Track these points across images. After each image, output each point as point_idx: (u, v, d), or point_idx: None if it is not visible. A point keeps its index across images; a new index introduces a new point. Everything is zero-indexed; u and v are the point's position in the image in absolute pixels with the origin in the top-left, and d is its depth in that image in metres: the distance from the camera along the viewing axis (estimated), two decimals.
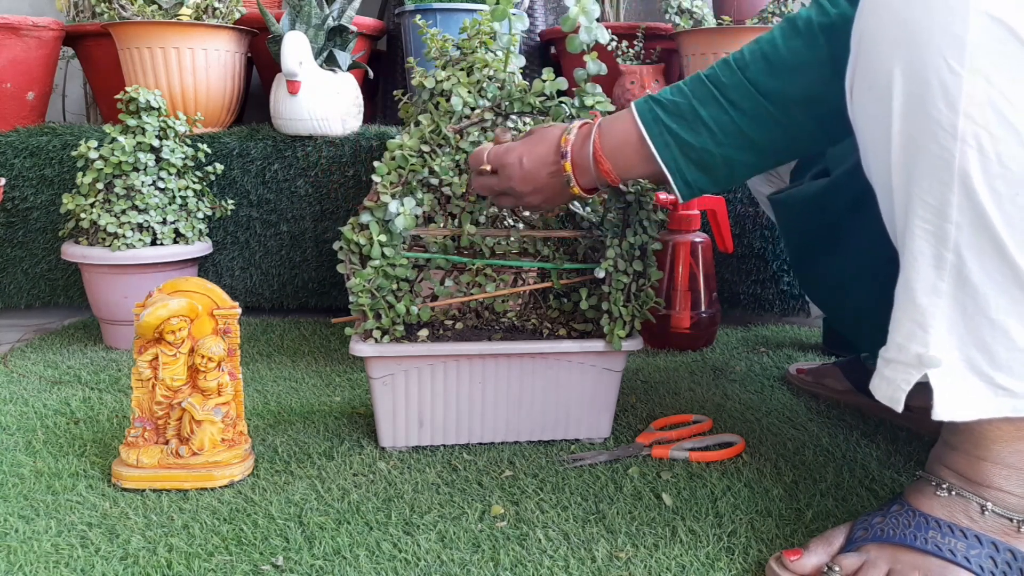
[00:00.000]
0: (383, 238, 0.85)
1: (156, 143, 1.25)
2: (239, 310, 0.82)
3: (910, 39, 0.53)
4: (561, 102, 0.85)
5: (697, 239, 1.27)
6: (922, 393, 0.58)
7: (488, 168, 0.81)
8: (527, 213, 0.92)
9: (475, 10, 1.51)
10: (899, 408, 0.59)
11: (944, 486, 0.63)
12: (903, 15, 0.54)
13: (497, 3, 0.83)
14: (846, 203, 0.76)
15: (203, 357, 0.79)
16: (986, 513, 0.60)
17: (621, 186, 0.86)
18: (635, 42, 1.56)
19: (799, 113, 0.67)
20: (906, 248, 0.57)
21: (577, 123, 0.77)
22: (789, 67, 0.66)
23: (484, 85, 1.02)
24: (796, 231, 0.87)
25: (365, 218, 0.85)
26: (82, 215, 1.24)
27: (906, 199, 0.56)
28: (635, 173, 0.74)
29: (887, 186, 0.58)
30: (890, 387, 0.59)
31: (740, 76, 0.68)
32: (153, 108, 1.26)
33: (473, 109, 0.98)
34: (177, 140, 1.29)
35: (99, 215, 1.22)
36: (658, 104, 0.71)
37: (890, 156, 0.56)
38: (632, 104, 0.73)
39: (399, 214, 0.83)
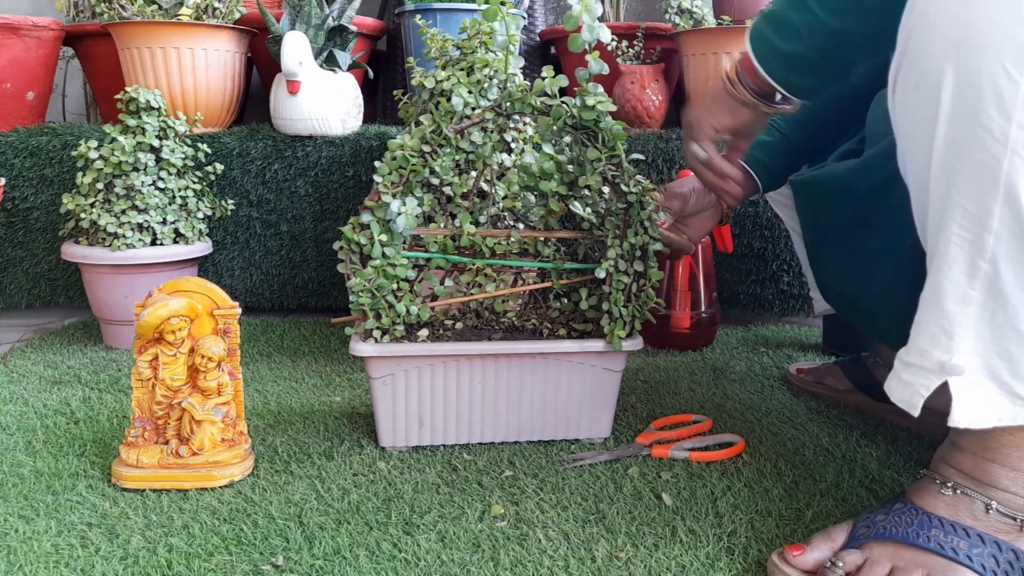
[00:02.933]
0: (384, 238, 0.85)
1: (156, 143, 1.25)
2: (239, 310, 0.82)
3: (966, 40, 0.51)
4: (563, 102, 0.85)
5: None
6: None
7: (696, 148, 0.86)
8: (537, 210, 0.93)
9: (475, 10, 1.51)
10: (916, 413, 0.58)
11: (949, 485, 0.63)
12: (961, 15, 0.52)
13: (487, 3, 0.83)
14: (875, 186, 0.75)
15: (203, 357, 0.79)
16: (990, 512, 0.60)
17: (622, 187, 0.86)
18: (635, 42, 1.56)
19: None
20: (938, 253, 0.56)
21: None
22: None
23: (484, 85, 1.02)
24: (818, 215, 0.86)
25: (366, 218, 0.85)
26: (82, 215, 1.23)
27: (943, 203, 0.55)
28: (761, 79, 0.77)
29: (923, 187, 0.57)
30: (907, 391, 0.59)
31: None
32: (153, 108, 1.26)
33: (474, 109, 0.98)
34: (177, 140, 1.29)
35: (99, 215, 1.22)
36: (767, 15, 0.75)
37: (931, 158, 0.55)
38: (755, 17, 0.78)
39: (400, 214, 0.83)
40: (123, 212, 1.22)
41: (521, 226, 0.99)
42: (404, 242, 0.88)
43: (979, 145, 0.52)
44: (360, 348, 0.84)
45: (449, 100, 1.03)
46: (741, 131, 0.84)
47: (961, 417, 0.56)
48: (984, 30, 0.51)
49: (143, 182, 1.23)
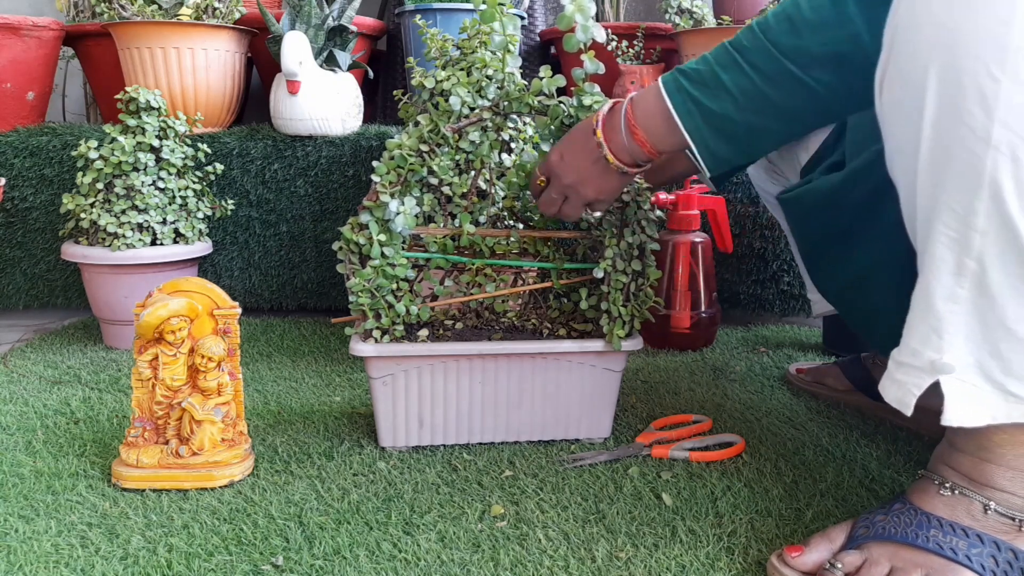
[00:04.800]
0: (383, 238, 0.85)
1: (156, 143, 1.25)
2: (239, 310, 0.82)
3: (949, 41, 0.52)
4: (560, 101, 0.85)
5: (697, 239, 1.27)
6: (924, 394, 0.58)
7: (542, 181, 0.82)
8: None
9: (475, 10, 1.51)
10: (909, 412, 0.59)
11: (947, 485, 0.63)
12: (943, 17, 0.52)
13: (484, 4, 0.83)
14: (862, 198, 0.75)
15: (203, 357, 0.79)
16: (989, 512, 0.60)
17: None
18: (635, 42, 1.56)
19: (821, 72, 0.65)
20: (927, 253, 0.56)
21: (610, 102, 0.77)
22: (812, 25, 0.64)
23: (483, 85, 1.02)
24: (809, 229, 0.86)
25: (365, 218, 0.85)
26: (82, 215, 1.23)
27: (931, 203, 0.55)
28: (666, 144, 0.73)
29: (911, 188, 0.58)
30: (900, 390, 0.59)
31: (762, 39, 0.66)
32: (153, 108, 1.26)
33: (472, 109, 0.98)
34: (177, 140, 1.29)
35: (99, 215, 1.22)
36: (683, 74, 0.71)
37: (917, 158, 0.55)
38: (660, 78, 0.73)
39: (399, 214, 0.83)
40: (123, 212, 1.22)
41: (521, 226, 0.99)
42: (403, 242, 0.88)
43: (963, 144, 0.52)
44: (360, 348, 0.84)
45: (448, 100, 1.03)
46: (605, 202, 0.82)
47: (954, 415, 0.56)
48: (966, 31, 0.51)
49: (143, 182, 1.23)
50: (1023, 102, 0.49)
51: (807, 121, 0.70)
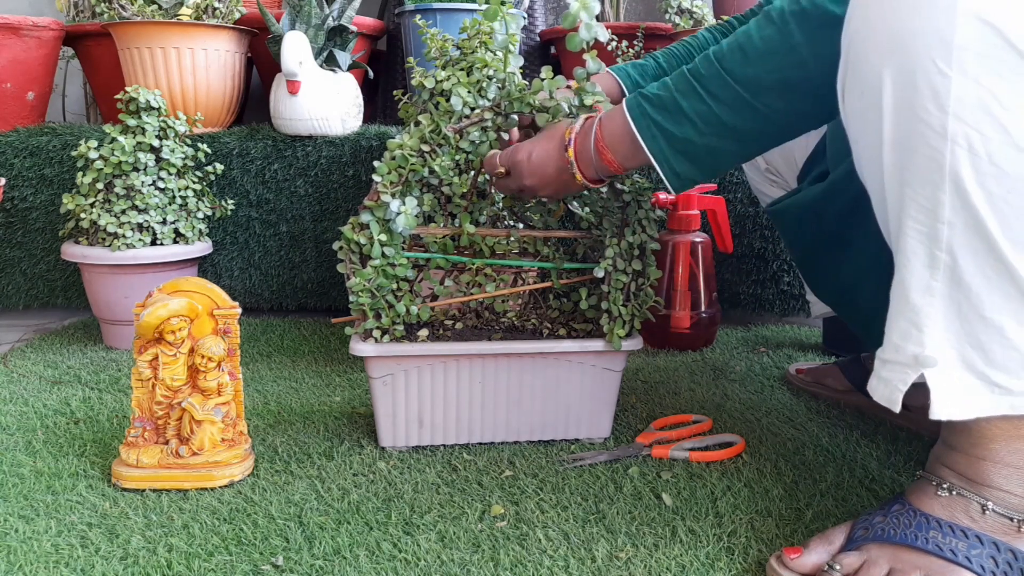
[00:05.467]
0: (383, 238, 0.85)
1: (156, 143, 1.25)
2: (239, 310, 0.82)
3: (898, 43, 0.54)
4: (561, 101, 0.85)
5: (697, 239, 1.27)
6: (921, 393, 0.58)
7: (502, 170, 0.85)
8: (537, 209, 0.94)
9: (475, 10, 1.51)
10: (897, 409, 0.59)
11: (945, 486, 0.63)
12: (891, 20, 0.55)
13: (487, 3, 0.83)
14: (845, 206, 0.77)
15: (203, 357, 0.79)
16: (987, 513, 0.60)
17: (618, 185, 0.87)
18: (635, 42, 1.56)
19: (773, 99, 0.68)
20: (899, 249, 0.57)
21: (582, 118, 0.80)
22: (761, 54, 0.68)
23: (484, 85, 1.02)
24: (799, 239, 0.88)
25: (365, 218, 0.85)
26: (82, 215, 1.23)
27: (899, 200, 0.57)
28: (632, 162, 0.77)
29: (880, 188, 0.59)
30: (887, 388, 0.59)
31: (718, 67, 0.70)
32: (153, 108, 1.26)
33: (473, 109, 0.98)
34: (177, 140, 1.29)
35: (99, 215, 1.22)
36: (645, 98, 0.74)
37: (882, 159, 0.57)
38: (624, 99, 0.77)
39: (400, 214, 0.83)
40: (123, 212, 1.22)
41: (521, 226, 0.99)
42: (404, 242, 0.88)
43: (922, 140, 0.54)
44: (360, 348, 0.84)
45: (448, 100, 1.03)
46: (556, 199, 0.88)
47: (941, 409, 0.56)
48: (912, 31, 0.53)
49: (143, 182, 1.23)
50: (973, 94, 0.51)
51: (763, 143, 0.74)
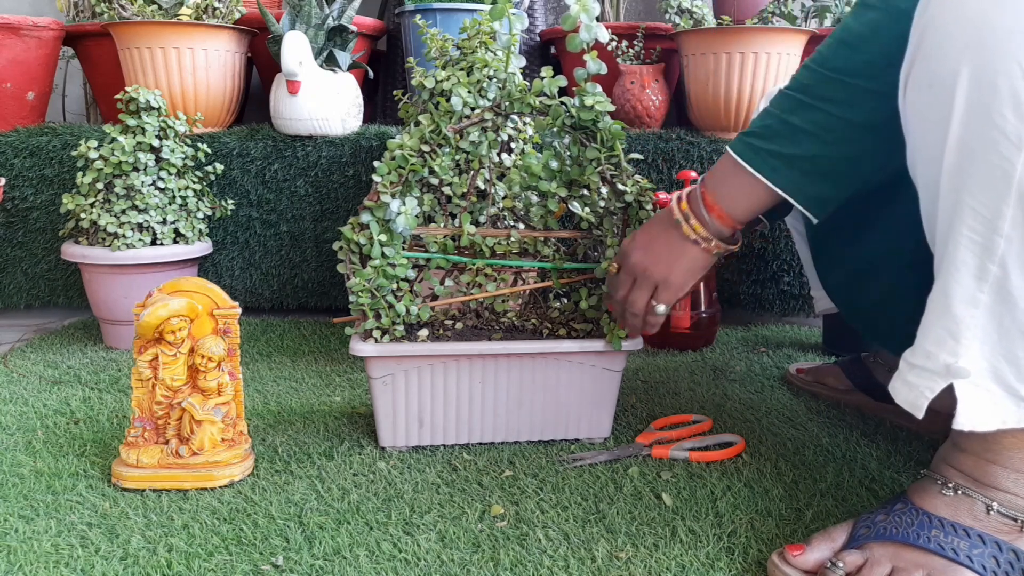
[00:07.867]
0: (383, 238, 0.85)
1: (156, 143, 1.25)
2: (239, 310, 0.82)
3: (982, 40, 0.51)
4: (562, 102, 0.85)
5: None
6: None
7: (614, 268, 0.80)
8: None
9: (475, 10, 1.51)
10: (920, 415, 0.58)
11: (950, 485, 0.63)
12: (976, 14, 0.51)
13: (495, 2, 0.83)
14: (878, 188, 0.74)
15: (203, 357, 0.79)
16: (991, 513, 0.60)
17: (619, 186, 0.86)
18: (635, 42, 1.56)
19: (895, 74, 0.61)
20: (947, 255, 0.56)
21: (679, 193, 0.75)
22: (866, 38, 0.63)
23: (484, 85, 1.02)
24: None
25: (365, 218, 0.85)
26: (82, 215, 1.23)
27: (954, 206, 0.54)
28: (750, 211, 0.70)
29: (933, 189, 0.57)
30: (912, 392, 0.59)
31: (822, 71, 0.65)
32: (153, 108, 1.26)
33: (473, 109, 0.98)
34: (177, 140, 1.29)
35: (99, 215, 1.22)
36: (748, 135, 0.69)
37: (942, 160, 0.54)
38: (726, 147, 0.71)
39: (400, 213, 0.83)
40: (123, 212, 1.22)
41: (521, 226, 0.99)
42: (404, 242, 0.88)
43: (993, 147, 0.51)
44: (360, 348, 0.84)
45: (449, 100, 1.03)
46: (674, 287, 0.77)
47: (966, 420, 0.56)
48: (1000, 30, 0.50)
49: (143, 182, 1.23)
50: None
51: (899, 129, 0.66)
